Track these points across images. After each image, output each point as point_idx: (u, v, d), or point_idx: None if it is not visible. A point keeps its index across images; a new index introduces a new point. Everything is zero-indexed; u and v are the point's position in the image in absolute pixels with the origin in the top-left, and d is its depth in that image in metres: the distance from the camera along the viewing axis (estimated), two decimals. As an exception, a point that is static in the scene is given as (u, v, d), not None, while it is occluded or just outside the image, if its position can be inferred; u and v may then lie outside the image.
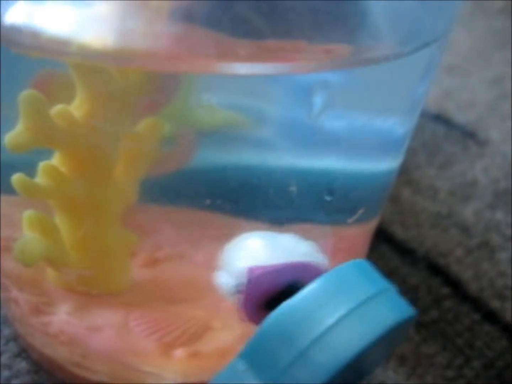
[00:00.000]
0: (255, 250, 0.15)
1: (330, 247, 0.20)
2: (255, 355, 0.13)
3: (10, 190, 0.17)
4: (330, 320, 0.13)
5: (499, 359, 0.23)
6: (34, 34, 0.14)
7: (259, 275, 0.15)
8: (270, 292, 0.15)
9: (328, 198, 0.19)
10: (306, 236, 0.19)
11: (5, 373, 0.22)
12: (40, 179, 0.17)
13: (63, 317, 0.20)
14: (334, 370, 0.13)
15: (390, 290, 0.14)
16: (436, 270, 0.26)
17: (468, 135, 0.34)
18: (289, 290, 0.14)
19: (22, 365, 0.22)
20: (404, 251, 0.27)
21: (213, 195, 0.18)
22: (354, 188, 0.20)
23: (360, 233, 0.22)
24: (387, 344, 0.15)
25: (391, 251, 0.27)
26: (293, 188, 0.18)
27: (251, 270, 0.15)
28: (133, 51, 0.14)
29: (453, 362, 0.23)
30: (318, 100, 0.16)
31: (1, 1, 0.15)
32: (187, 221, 0.18)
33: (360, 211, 0.20)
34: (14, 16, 0.15)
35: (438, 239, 0.28)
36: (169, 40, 0.14)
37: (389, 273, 0.26)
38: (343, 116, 0.18)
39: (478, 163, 0.32)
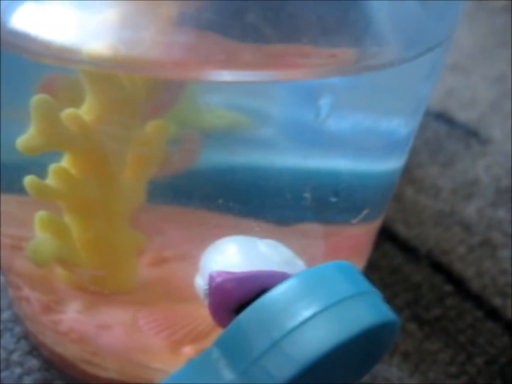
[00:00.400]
0: (230, 255, 0.15)
1: (335, 246, 0.21)
2: (229, 345, 0.14)
3: (20, 190, 0.17)
4: (305, 314, 0.13)
5: (501, 355, 0.23)
6: (45, 43, 0.15)
7: (221, 281, 0.15)
8: (238, 298, 0.15)
9: (333, 198, 0.19)
10: (311, 235, 0.20)
11: (17, 370, 0.22)
12: (51, 181, 0.17)
13: (73, 315, 0.20)
14: (305, 364, 0.13)
15: (372, 293, 0.14)
16: (439, 268, 0.27)
17: (471, 134, 0.34)
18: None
19: (34, 362, 0.22)
20: (407, 249, 0.27)
21: (219, 195, 0.18)
22: (359, 188, 0.20)
23: (364, 232, 0.22)
24: (366, 352, 0.15)
25: (394, 249, 0.27)
26: (299, 189, 0.18)
27: (212, 276, 0.15)
28: (142, 59, 0.14)
29: (456, 358, 0.23)
30: (324, 103, 0.17)
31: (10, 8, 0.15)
32: (193, 221, 0.18)
33: (365, 211, 0.20)
34: (25, 23, 0.15)
35: (440, 237, 0.28)
36: (177, 48, 0.14)
37: (392, 271, 0.27)
38: (348, 117, 0.18)
39: (480, 161, 0.32)
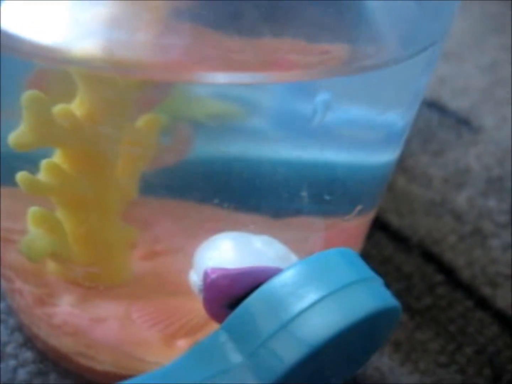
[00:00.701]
0: (224, 251, 0.16)
1: (330, 239, 0.21)
2: (237, 328, 0.14)
3: (10, 182, 0.17)
4: (313, 298, 0.13)
5: (490, 344, 0.24)
6: (34, 43, 0.15)
7: (216, 278, 0.15)
8: (232, 294, 0.15)
9: (329, 191, 0.19)
10: (306, 229, 0.20)
11: (11, 362, 0.22)
12: (43, 176, 0.17)
13: (66, 308, 0.20)
14: (314, 345, 0.13)
15: (375, 279, 0.15)
16: (430, 257, 0.27)
17: (462, 122, 0.34)
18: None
19: (28, 354, 0.22)
20: (399, 238, 0.28)
21: (212, 188, 0.18)
22: (356, 181, 0.20)
23: (359, 224, 0.22)
24: (367, 338, 0.15)
25: (386, 239, 0.28)
26: (294, 182, 0.18)
27: (207, 272, 0.15)
28: (134, 62, 0.14)
29: (446, 348, 0.24)
30: (319, 100, 0.17)
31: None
32: (184, 214, 0.18)
33: (361, 204, 0.20)
34: (14, 23, 0.15)
35: (432, 226, 0.28)
36: (169, 50, 0.14)
37: (383, 261, 0.27)
38: (343, 112, 0.18)
39: (471, 150, 0.32)
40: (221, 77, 0.15)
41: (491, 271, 0.26)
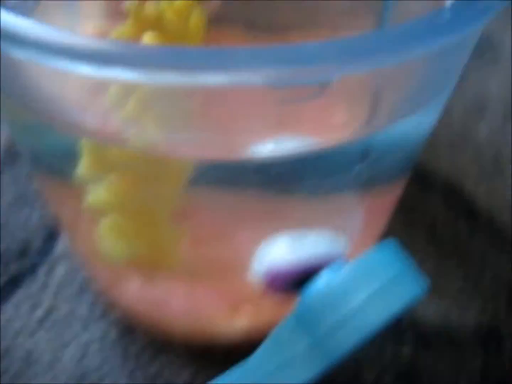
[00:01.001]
0: (281, 249, 0.19)
1: (376, 208, 0.23)
2: (303, 317, 0.17)
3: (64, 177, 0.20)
4: (363, 293, 0.17)
5: (509, 270, 0.27)
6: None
7: (275, 276, 0.18)
8: (292, 283, 0.18)
9: (377, 162, 0.20)
10: (352, 204, 0.21)
11: (102, 324, 0.26)
12: (105, 197, 0.20)
13: (136, 287, 0.23)
14: (367, 333, 0.17)
15: (411, 268, 0.17)
16: (452, 190, 0.29)
17: (483, 40, 0.34)
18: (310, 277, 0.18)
19: (115, 315, 0.26)
20: (422, 174, 0.29)
21: (249, 175, 0.19)
22: (399, 153, 0.21)
23: (399, 189, 0.24)
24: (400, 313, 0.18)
25: (410, 176, 0.29)
26: (332, 161, 0.19)
27: (268, 270, 0.19)
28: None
29: (469, 275, 0.27)
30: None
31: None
32: (226, 202, 0.20)
33: (407, 171, 0.22)
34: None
35: (453, 159, 0.30)
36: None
37: (408, 197, 0.29)
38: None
39: (491, 72, 0.32)
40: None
41: (509, 198, 0.28)
